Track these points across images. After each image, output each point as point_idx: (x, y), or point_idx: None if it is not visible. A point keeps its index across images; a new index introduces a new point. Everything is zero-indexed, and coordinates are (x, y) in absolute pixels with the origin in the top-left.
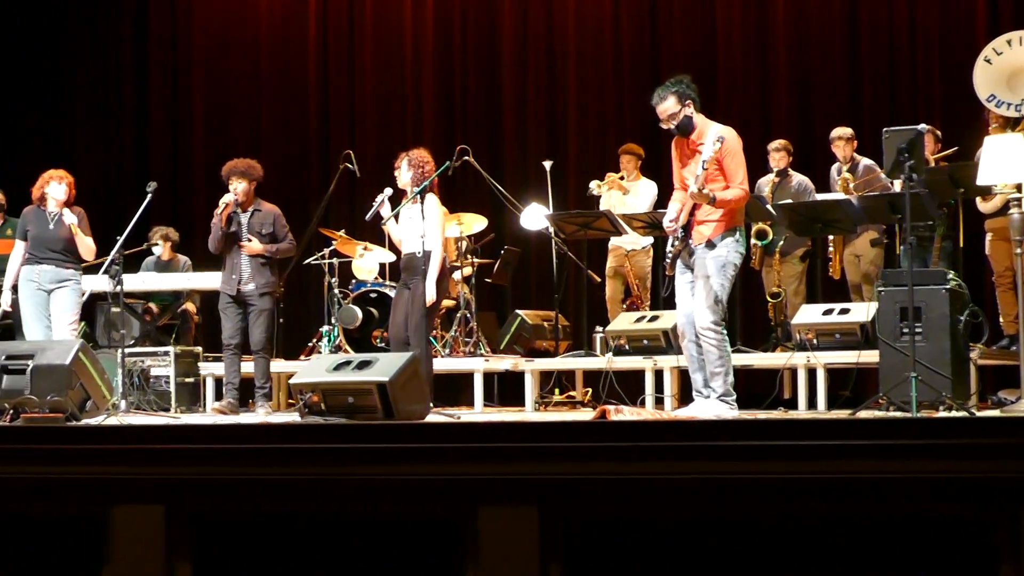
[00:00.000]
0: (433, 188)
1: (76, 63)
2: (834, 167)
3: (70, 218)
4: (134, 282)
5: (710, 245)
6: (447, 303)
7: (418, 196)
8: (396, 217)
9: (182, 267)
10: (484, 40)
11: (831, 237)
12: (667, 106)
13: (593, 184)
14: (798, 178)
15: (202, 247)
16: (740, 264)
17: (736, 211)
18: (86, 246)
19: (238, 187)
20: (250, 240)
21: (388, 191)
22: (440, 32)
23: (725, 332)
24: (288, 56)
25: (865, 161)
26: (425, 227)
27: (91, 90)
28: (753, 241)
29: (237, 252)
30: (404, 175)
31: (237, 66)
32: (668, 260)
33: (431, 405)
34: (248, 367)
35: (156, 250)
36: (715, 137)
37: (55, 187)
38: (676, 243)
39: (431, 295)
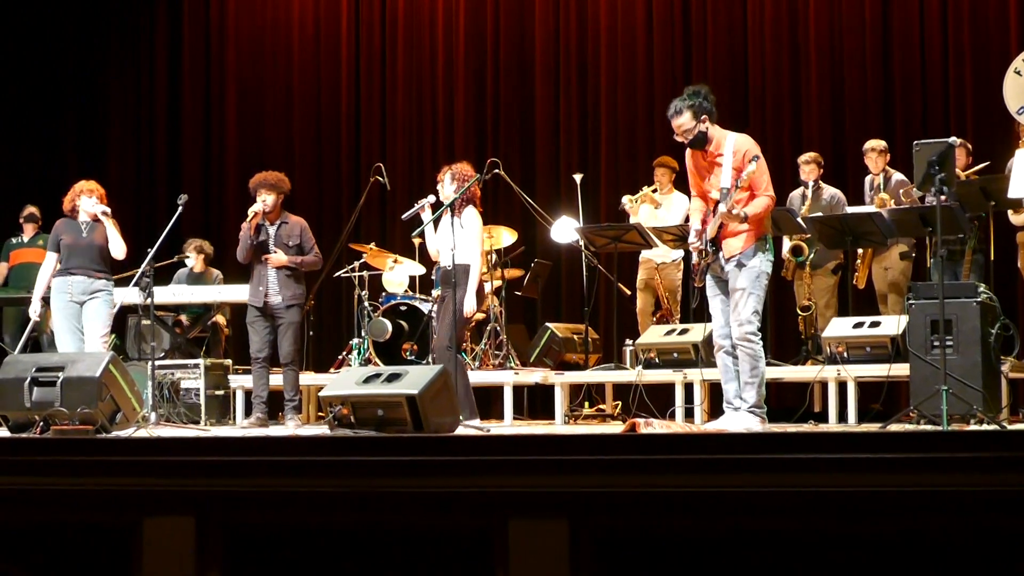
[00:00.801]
0: (475, 201)
1: (111, 77)
2: (868, 179)
3: (101, 207)
4: (164, 294)
5: (743, 258)
6: (477, 316)
7: (451, 208)
8: (435, 225)
9: (214, 280)
10: (516, 53)
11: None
12: (682, 121)
13: (625, 199)
14: (830, 191)
15: (234, 259)
16: (771, 272)
17: (764, 219)
18: (118, 243)
19: (267, 199)
20: (276, 252)
21: (431, 198)
22: (472, 46)
23: (761, 343)
24: (320, 70)
25: (897, 176)
26: (462, 238)
27: (125, 104)
28: (788, 256)
29: (264, 264)
30: (447, 188)
31: (270, 80)
32: (696, 273)
33: (461, 418)
34: (277, 379)
35: (189, 262)
36: (737, 151)
37: (86, 200)
38: (706, 256)
39: (470, 306)
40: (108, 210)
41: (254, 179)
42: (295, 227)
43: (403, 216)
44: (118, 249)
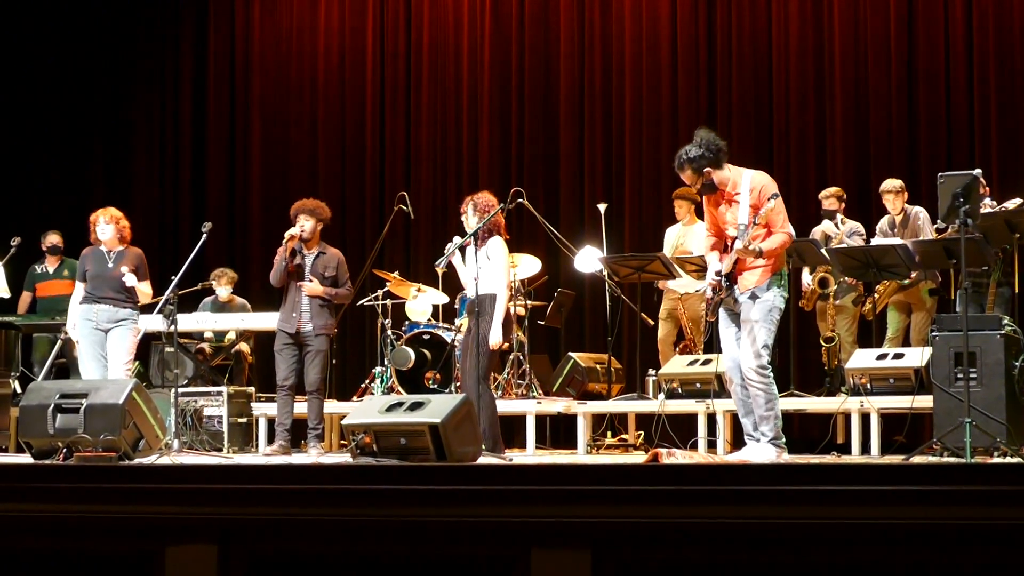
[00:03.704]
0: (500, 230)
1: (137, 107)
2: (884, 219)
3: (131, 280)
4: (188, 322)
5: (759, 292)
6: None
7: (474, 238)
8: (463, 255)
9: (239, 309)
10: (540, 83)
11: (881, 284)
12: (686, 176)
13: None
14: (850, 224)
15: (256, 287)
16: (784, 307)
17: (780, 255)
18: (144, 294)
19: (305, 225)
20: (311, 281)
21: (458, 240)
22: (497, 75)
23: (772, 376)
24: (345, 100)
25: (922, 214)
26: (489, 268)
27: (151, 133)
28: (814, 287)
29: (298, 291)
30: (471, 219)
31: (294, 110)
32: (710, 307)
33: (483, 447)
34: (301, 407)
35: (221, 292)
36: (753, 188)
37: (103, 227)
38: (720, 291)
39: (495, 339)
40: (135, 282)
41: (295, 205)
42: (332, 258)
43: (440, 266)
44: (143, 298)
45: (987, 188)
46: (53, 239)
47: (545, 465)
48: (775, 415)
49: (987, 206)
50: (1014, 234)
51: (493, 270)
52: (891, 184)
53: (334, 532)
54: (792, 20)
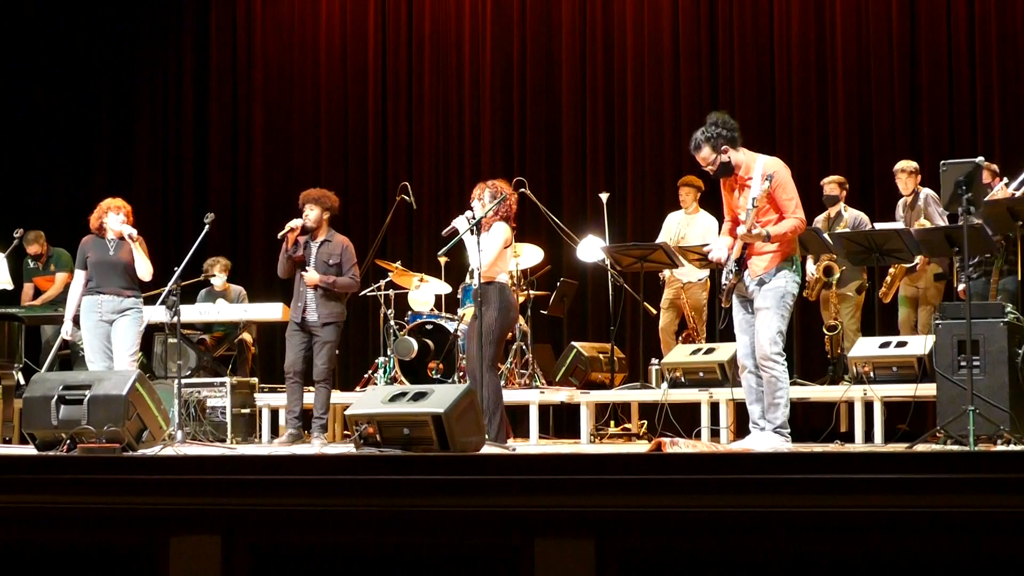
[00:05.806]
0: (510, 219)
1: (139, 98)
2: (900, 202)
3: (129, 229)
4: (191, 313)
5: (767, 278)
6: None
7: (477, 227)
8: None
9: (236, 296)
10: (542, 72)
11: (893, 267)
12: (703, 155)
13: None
14: (853, 213)
15: (260, 277)
16: (797, 293)
17: (791, 241)
18: (144, 265)
19: (309, 214)
20: (309, 270)
21: (469, 213)
22: (498, 64)
23: (785, 363)
24: (347, 91)
25: (926, 191)
26: (482, 245)
27: (153, 124)
28: (817, 276)
29: (302, 280)
30: (488, 205)
31: (297, 101)
32: (723, 293)
33: (487, 437)
34: (308, 397)
35: (216, 281)
36: (764, 174)
37: (113, 218)
38: (731, 276)
39: (488, 326)
40: (134, 232)
41: (302, 195)
42: (337, 246)
43: (444, 232)
44: (144, 271)
45: (997, 178)
46: (32, 249)
47: (548, 455)
48: (784, 403)
49: (1002, 188)
50: (1017, 221)
51: (483, 247)
52: (904, 164)
53: (337, 522)
54: (794, 6)
